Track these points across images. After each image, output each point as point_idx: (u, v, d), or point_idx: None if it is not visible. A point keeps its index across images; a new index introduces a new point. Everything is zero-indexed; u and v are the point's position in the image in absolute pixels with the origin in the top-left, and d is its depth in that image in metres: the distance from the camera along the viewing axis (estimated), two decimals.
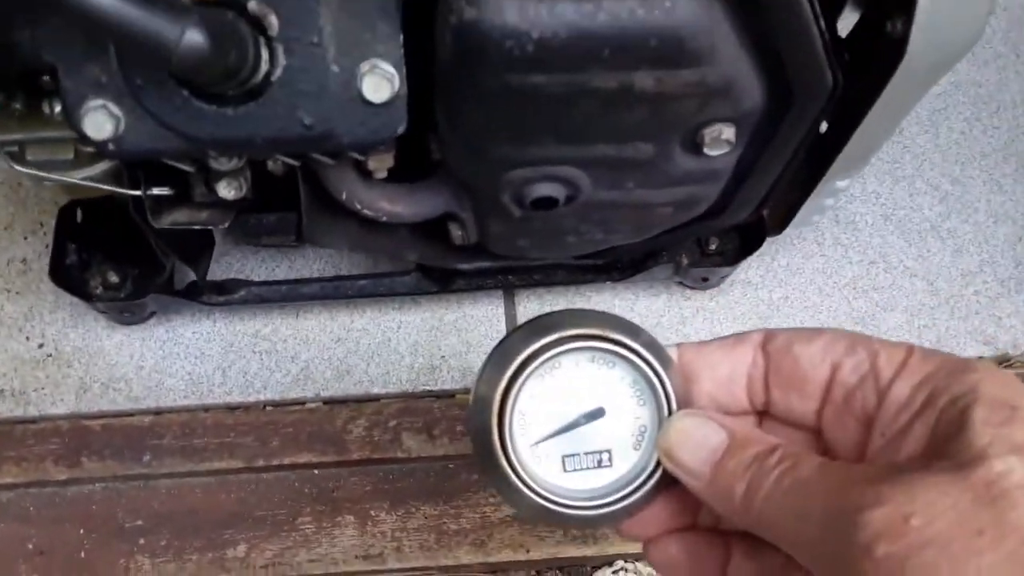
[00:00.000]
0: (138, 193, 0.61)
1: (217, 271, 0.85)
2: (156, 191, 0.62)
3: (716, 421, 0.37)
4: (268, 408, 0.81)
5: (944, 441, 0.30)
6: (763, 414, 0.40)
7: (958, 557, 0.27)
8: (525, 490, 0.39)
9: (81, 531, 0.75)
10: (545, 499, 0.40)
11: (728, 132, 0.58)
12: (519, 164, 0.60)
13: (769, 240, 0.80)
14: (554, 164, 0.60)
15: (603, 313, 0.41)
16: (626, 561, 0.80)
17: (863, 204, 0.92)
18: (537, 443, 0.40)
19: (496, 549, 0.77)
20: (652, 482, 0.40)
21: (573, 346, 0.39)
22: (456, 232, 0.72)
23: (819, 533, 0.31)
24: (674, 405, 0.39)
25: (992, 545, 0.27)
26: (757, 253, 0.81)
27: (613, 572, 0.80)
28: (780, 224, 0.78)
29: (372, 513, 0.77)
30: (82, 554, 0.74)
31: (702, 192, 0.66)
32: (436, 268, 0.80)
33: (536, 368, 0.39)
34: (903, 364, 0.34)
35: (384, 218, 0.69)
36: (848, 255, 0.89)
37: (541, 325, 0.40)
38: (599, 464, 0.40)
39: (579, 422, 0.40)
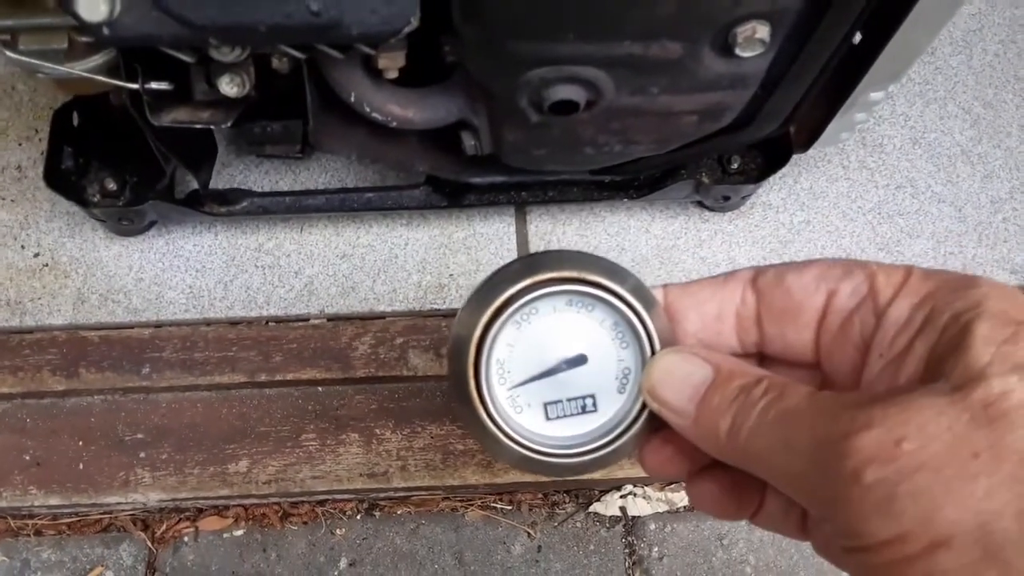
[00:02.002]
0: (135, 87, 0.58)
1: (219, 183, 0.82)
2: (155, 85, 0.59)
3: (700, 356, 0.35)
4: (271, 324, 0.78)
5: (943, 360, 0.28)
6: (756, 356, 0.38)
7: (952, 481, 0.25)
8: (505, 440, 0.38)
9: (80, 443, 0.74)
10: (527, 448, 0.38)
11: (762, 31, 0.54)
12: (539, 63, 0.57)
13: (792, 162, 0.76)
14: (576, 64, 0.57)
15: (581, 254, 0.38)
16: (635, 485, 0.79)
17: (891, 126, 0.89)
18: (515, 387, 0.38)
19: (503, 470, 0.75)
20: (639, 425, 0.38)
21: (548, 291, 0.37)
22: (469, 142, 0.69)
23: (806, 464, 0.29)
24: (657, 345, 0.37)
25: (988, 468, 0.25)
26: (779, 174, 0.78)
27: (621, 496, 0.79)
28: (807, 141, 0.75)
29: (377, 432, 0.76)
30: (80, 466, 0.73)
31: (730, 100, 0.62)
32: (446, 182, 0.77)
33: (511, 315, 0.37)
34: (903, 283, 0.32)
35: (394, 124, 0.65)
36: (874, 179, 0.86)
37: (514, 270, 0.37)
38: (583, 410, 0.39)
39: (560, 368, 0.38)
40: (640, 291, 0.37)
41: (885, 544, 0.26)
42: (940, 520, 0.25)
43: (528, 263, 0.37)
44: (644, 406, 0.38)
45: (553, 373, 0.38)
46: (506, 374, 0.38)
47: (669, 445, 0.37)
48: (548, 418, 0.39)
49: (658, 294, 0.38)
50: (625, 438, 0.38)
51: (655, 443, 0.37)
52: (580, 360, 0.38)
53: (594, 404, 0.39)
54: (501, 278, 0.37)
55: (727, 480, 0.37)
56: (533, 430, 0.38)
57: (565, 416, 0.39)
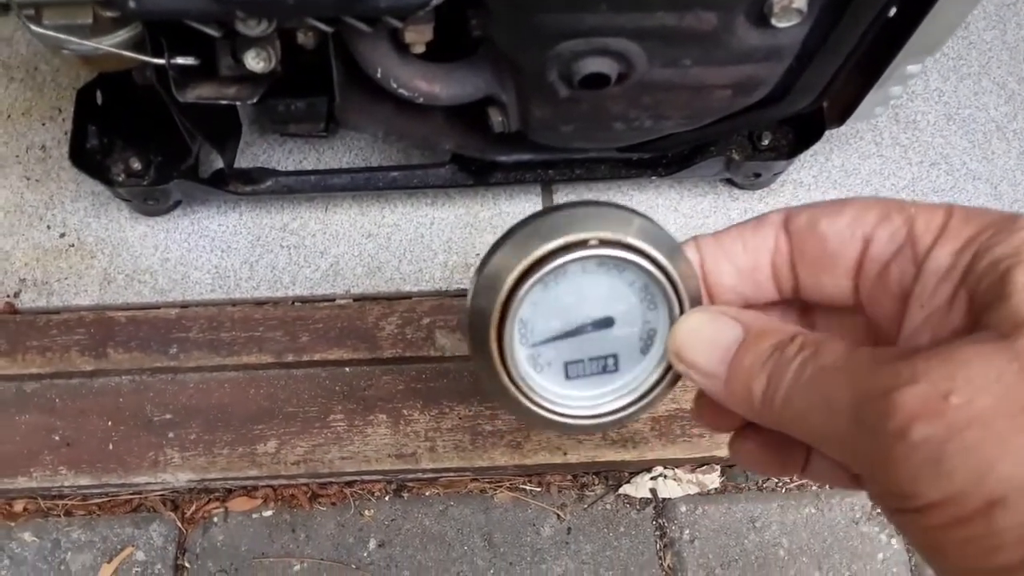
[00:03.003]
0: (161, 62, 0.57)
1: (242, 162, 0.81)
2: (181, 61, 0.58)
3: (729, 315, 0.34)
4: (296, 304, 0.78)
5: (985, 309, 0.27)
6: (797, 301, 0.36)
7: (1004, 436, 0.24)
8: (525, 401, 0.37)
9: (108, 423, 0.74)
10: (547, 410, 0.37)
11: (799, 0, 0.53)
12: (569, 35, 0.56)
13: (823, 139, 0.75)
14: (607, 35, 0.56)
15: (613, 209, 0.36)
16: (665, 467, 0.78)
17: (925, 102, 0.87)
18: (536, 346, 0.37)
19: (532, 451, 0.74)
20: (661, 387, 0.37)
21: (580, 255, 0.35)
22: (496, 118, 0.68)
23: (848, 423, 0.27)
24: (686, 305, 0.36)
25: None
26: (811, 152, 0.76)
27: (651, 478, 0.78)
28: (841, 116, 0.73)
29: (405, 412, 0.75)
30: (110, 446, 0.73)
31: (764, 72, 0.61)
32: (472, 160, 0.76)
33: (540, 278, 0.35)
34: (943, 228, 0.30)
35: (420, 99, 0.65)
36: (908, 156, 0.84)
37: (546, 226, 0.35)
38: (604, 369, 0.38)
39: (585, 329, 0.37)
40: (670, 249, 0.36)
41: (936, 505, 0.25)
42: (993, 478, 0.24)
43: (562, 219, 0.35)
44: (668, 368, 0.37)
45: (577, 334, 0.37)
46: (528, 333, 0.37)
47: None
48: (568, 377, 0.38)
49: (690, 249, 0.36)
50: (645, 400, 0.37)
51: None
52: (607, 322, 0.37)
53: (615, 364, 0.38)
54: (532, 232, 0.35)
55: (771, 437, 0.35)
56: (552, 389, 0.38)
57: (585, 376, 0.38)
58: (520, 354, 0.37)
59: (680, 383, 0.37)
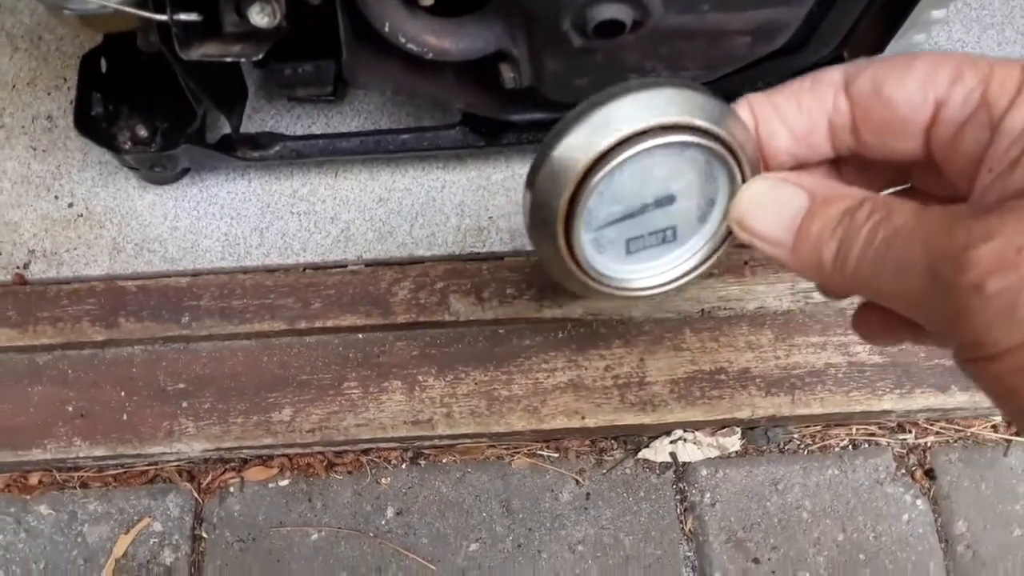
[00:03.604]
0: (164, 18, 0.56)
1: (250, 128, 0.80)
2: (184, 17, 0.57)
3: (792, 182, 0.33)
4: (308, 271, 0.77)
5: None
6: (849, 159, 0.36)
7: None
8: (591, 282, 0.39)
9: (122, 393, 0.73)
10: (610, 286, 0.40)
11: None
12: None
13: None
14: None
15: (666, 89, 0.35)
16: (684, 431, 0.77)
17: None
18: (600, 229, 0.38)
19: (550, 416, 0.73)
20: (719, 252, 0.39)
21: (644, 146, 0.34)
22: (508, 74, 0.66)
23: (922, 282, 0.28)
24: (747, 172, 0.36)
25: None
26: None
27: (671, 442, 0.77)
28: None
29: (420, 378, 0.74)
30: (124, 416, 0.72)
31: (784, 17, 0.59)
32: (484, 121, 0.75)
33: (607, 172, 0.35)
34: (1019, 89, 0.30)
35: (429, 55, 0.63)
36: None
37: (606, 116, 0.35)
38: (663, 241, 0.39)
39: (647, 209, 0.38)
40: (728, 119, 0.35)
41: (1009, 351, 0.26)
42: None
43: (620, 108, 0.35)
44: (727, 233, 0.38)
45: (639, 213, 0.37)
46: (592, 219, 0.37)
47: None
48: (629, 252, 0.39)
49: (743, 109, 0.36)
50: (703, 266, 0.39)
51: None
52: (668, 200, 0.37)
53: (674, 235, 0.39)
54: (593, 125, 0.35)
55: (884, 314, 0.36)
56: (614, 266, 0.39)
57: (645, 248, 0.39)
58: (584, 240, 0.38)
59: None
